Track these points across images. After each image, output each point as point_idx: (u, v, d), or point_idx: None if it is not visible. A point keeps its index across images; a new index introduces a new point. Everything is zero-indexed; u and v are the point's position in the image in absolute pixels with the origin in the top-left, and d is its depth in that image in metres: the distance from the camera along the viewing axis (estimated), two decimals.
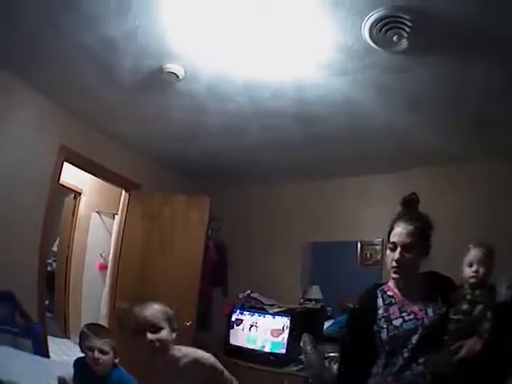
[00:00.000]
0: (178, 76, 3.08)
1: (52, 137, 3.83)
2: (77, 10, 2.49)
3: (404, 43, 2.41)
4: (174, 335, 1.91)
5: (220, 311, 4.85)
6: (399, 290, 1.80)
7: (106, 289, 5.02)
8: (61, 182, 4.18)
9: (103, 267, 5.66)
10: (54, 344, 4.85)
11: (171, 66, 3.02)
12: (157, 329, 1.84)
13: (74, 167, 4.28)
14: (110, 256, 5.07)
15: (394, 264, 1.74)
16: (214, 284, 5.04)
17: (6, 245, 3.40)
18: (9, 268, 3.33)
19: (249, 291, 4.72)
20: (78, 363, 2.30)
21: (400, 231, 1.76)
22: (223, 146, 4.37)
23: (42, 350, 3.02)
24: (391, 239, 1.78)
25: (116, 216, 5.23)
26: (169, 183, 5.19)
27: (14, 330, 2.88)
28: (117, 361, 2.27)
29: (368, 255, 4.61)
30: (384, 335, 1.71)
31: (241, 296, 4.71)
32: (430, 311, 1.70)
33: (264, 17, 2.38)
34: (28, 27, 2.72)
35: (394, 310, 1.75)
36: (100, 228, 5.94)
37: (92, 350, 2.19)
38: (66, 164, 4.03)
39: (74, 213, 5.94)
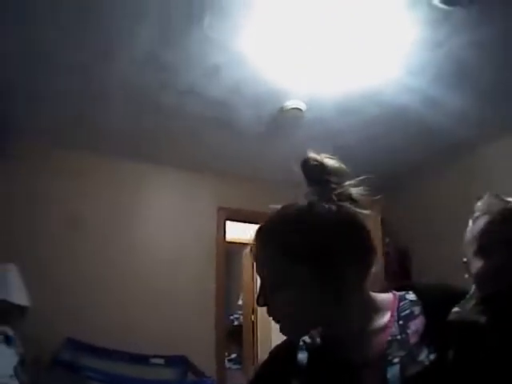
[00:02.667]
0: (301, 110, 3.10)
1: (207, 201, 4.15)
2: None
3: None
4: None
5: None
6: None
7: None
8: (232, 239, 4.41)
9: None
10: None
11: (292, 103, 3.06)
12: None
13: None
14: None
15: None
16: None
17: (191, 312, 3.80)
18: (192, 329, 3.72)
19: None
20: None
21: None
22: (372, 159, 4.00)
23: None
24: None
25: None
26: None
27: None
28: None
29: None
30: None
31: None
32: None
33: (352, 29, 2.38)
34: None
35: None
36: None
37: None
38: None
39: (253, 264, 6.18)
